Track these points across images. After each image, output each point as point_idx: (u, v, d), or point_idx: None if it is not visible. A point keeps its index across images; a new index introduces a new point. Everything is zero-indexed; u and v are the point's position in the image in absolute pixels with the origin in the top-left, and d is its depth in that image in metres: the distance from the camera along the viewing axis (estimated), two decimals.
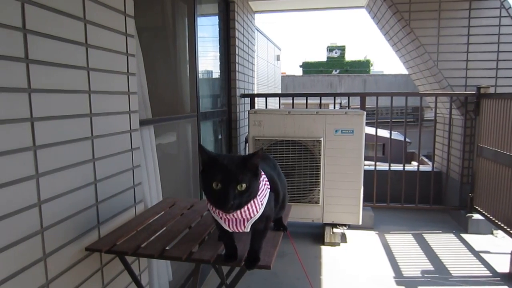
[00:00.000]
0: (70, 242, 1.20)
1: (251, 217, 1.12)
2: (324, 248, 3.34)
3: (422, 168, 4.43)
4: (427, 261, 3.08)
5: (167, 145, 2.38)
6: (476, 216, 3.68)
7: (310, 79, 25.47)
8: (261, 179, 1.14)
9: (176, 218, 1.54)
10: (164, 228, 1.42)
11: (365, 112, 3.34)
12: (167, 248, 1.26)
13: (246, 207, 1.08)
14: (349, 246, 3.41)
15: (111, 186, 1.45)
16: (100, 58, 1.37)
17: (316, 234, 3.60)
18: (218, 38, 3.52)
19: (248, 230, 1.15)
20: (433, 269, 2.94)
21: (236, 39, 3.64)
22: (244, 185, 1.01)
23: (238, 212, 1.08)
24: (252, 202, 1.09)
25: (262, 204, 1.14)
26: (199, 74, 2.73)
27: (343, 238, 3.52)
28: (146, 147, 1.87)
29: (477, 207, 3.68)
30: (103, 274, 1.38)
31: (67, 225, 1.18)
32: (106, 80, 1.41)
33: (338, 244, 3.39)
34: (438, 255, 3.18)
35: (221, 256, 1.20)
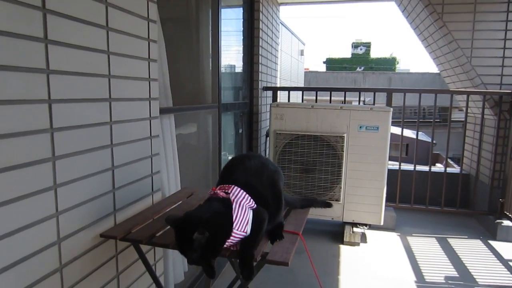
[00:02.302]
0: (85, 228, 1.18)
1: (236, 241, 1.16)
2: (343, 247, 3.26)
3: (449, 170, 4.26)
4: (452, 267, 2.96)
5: (187, 135, 2.35)
6: (506, 222, 3.50)
7: (333, 76, 25.08)
8: (239, 210, 1.16)
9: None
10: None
11: (391, 109, 3.23)
12: None
13: (230, 239, 1.13)
14: (369, 246, 3.32)
15: (129, 173, 1.43)
16: (121, 42, 1.34)
17: (335, 233, 3.52)
18: (241, 29, 3.47)
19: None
20: (457, 275, 2.82)
21: (260, 31, 3.58)
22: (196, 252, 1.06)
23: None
24: (234, 234, 1.12)
25: (246, 232, 1.16)
26: (222, 65, 2.68)
27: (363, 238, 3.42)
28: (166, 136, 1.85)
29: (508, 213, 3.51)
30: (118, 262, 1.36)
31: (82, 210, 1.17)
32: (127, 65, 1.38)
33: (358, 244, 3.30)
34: (464, 262, 3.04)
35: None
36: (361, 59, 41.75)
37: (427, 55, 4.42)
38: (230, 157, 3.39)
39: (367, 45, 43.56)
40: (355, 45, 43.78)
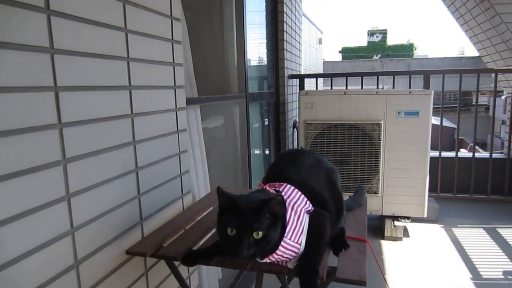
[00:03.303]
0: (108, 244, 0.97)
1: (289, 259, 0.95)
2: (384, 243, 3.01)
3: (495, 155, 3.93)
4: (508, 260, 2.67)
5: (214, 129, 2.14)
6: None
7: (350, 65, 24.53)
8: (292, 215, 0.96)
9: None
10: None
11: (432, 92, 2.94)
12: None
13: (280, 252, 0.92)
14: (412, 241, 3.05)
15: (156, 175, 1.21)
16: (140, 19, 1.12)
17: (374, 227, 3.26)
18: (265, 13, 3.22)
19: (292, 266, 0.95)
20: None
21: (284, 15, 3.32)
22: (260, 233, 0.88)
23: (271, 257, 0.94)
24: (285, 245, 0.92)
25: (300, 243, 0.93)
26: (247, 52, 2.44)
27: (405, 232, 3.16)
28: (192, 130, 1.63)
29: None
30: (148, 280, 1.16)
31: (103, 223, 0.96)
32: (148, 46, 1.17)
33: (401, 239, 3.04)
34: None
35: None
36: (377, 47, 40.83)
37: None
38: (256, 152, 3.17)
39: (383, 32, 42.56)
40: (371, 33, 42.83)
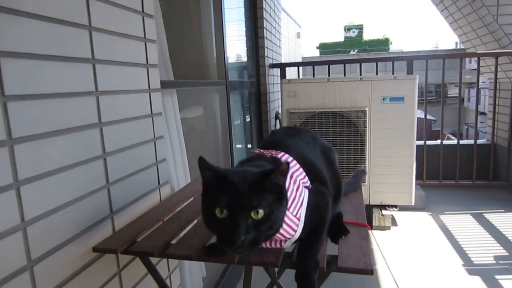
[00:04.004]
0: (71, 241, 0.83)
1: (287, 239, 0.79)
2: (373, 233, 2.93)
3: (479, 141, 3.91)
4: (497, 245, 2.64)
5: (193, 119, 2.00)
6: None
7: (328, 60, 24.62)
8: (292, 185, 0.81)
9: None
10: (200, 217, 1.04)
11: (417, 76, 2.87)
12: (208, 242, 0.88)
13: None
14: (400, 229, 2.99)
15: (127, 162, 1.07)
16: None
17: None
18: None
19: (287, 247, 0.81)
20: (507, 254, 2.50)
21: (263, 2, 3.20)
22: (261, 212, 0.70)
23: None
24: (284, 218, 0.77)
25: (299, 219, 0.78)
26: (226, 37, 2.31)
27: (393, 221, 3.10)
28: (168, 116, 1.49)
29: None
30: (121, 280, 1.02)
31: (63, 217, 0.82)
32: (114, 15, 1.02)
33: (389, 228, 2.98)
34: (509, 238, 2.72)
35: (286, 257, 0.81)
36: (354, 42, 41.24)
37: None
38: (238, 144, 3.04)
39: (360, 28, 43.03)
40: (348, 28, 43.23)
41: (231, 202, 0.70)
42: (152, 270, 0.96)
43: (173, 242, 0.90)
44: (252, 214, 0.69)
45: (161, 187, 1.27)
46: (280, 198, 0.74)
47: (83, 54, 0.90)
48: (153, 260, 1.01)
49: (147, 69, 1.20)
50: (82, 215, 0.88)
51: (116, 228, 0.99)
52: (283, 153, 0.90)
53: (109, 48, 0.99)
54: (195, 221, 1.01)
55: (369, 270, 0.71)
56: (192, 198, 1.21)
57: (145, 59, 1.19)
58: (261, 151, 0.93)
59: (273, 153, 0.91)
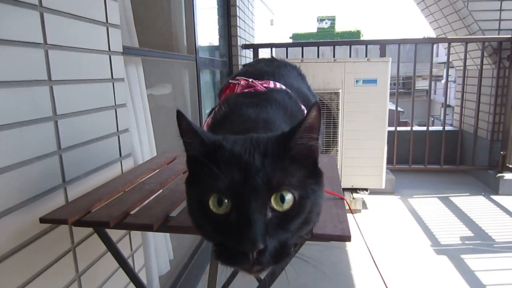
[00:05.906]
0: (12, 211, 0.73)
1: None
2: None
3: (447, 127, 3.99)
4: (463, 226, 2.70)
5: (159, 92, 1.88)
6: (509, 176, 3.29)
7: (301, 42, 24.69)
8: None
9: (180, 175, 1.08)
10: (165, 187, 0.96)
11: (390, 58, 2.87)
12: (171, 215, 0.80)
13: None
14: (371, 212, 3.01)
15: (83, 128, 0.97)
16: None
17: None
18: None
19: None
20: (472, 235, 2.56)
21: None
22: (289, 198, 0.44)
23: None
24: None
25: None
26: (196, 9, 2.19)
27: (364, 204, 3.11)
28: (133, 86, 1.38)
29: (510, 166, 3.29)
30: (76, 258, 0.92)
31: (4, 182, 0.71)
32: None
33: (360, 211, 2.99)
34: (473, 219, 2.79)
35: None
36: (326, 33, 41.51)
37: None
38: None
39: (332, 19, 43.31)
40: (321, 19, 43.41)
41: (235, 184, 0.43)
42: (110, 245, 0.87)
43: (133, 212, 0.81)
44: (273, 202, 0.44)
45: (123, 160, 1.17)
46: (314, 169, 0.48)
47: None
48: (114, 236, 0.92)
49: (107, 28, 1.09)
50: (29, 182, 0.77)
51: (70, 198, 0.89)
52: (272, 81, 0.76)
53: None
54: (160, 191, 0.93)
55: (347, 237, 0.65)
56: (157, 171, 1.12)
57: (105, 17, 1.08)
58: (250, 80, 0.76)
59: (259, 81, 0.77)
